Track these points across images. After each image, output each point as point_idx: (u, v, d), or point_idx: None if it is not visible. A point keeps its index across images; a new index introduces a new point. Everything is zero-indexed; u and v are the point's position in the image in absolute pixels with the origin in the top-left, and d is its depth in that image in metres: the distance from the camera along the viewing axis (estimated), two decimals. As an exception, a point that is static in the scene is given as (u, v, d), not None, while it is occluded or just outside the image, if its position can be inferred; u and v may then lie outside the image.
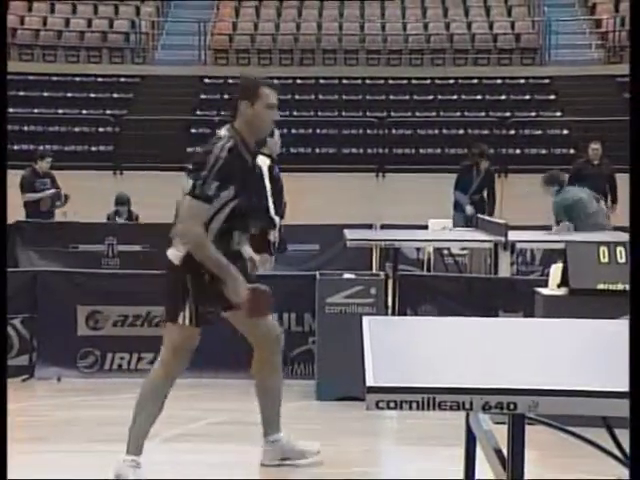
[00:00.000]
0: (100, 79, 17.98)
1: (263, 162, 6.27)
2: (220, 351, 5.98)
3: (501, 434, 2.35)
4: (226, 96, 17.69)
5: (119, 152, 16.03)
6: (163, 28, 19.98)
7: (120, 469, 3.93)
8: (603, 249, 4.99)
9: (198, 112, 17.22)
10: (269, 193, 6.29)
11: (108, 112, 16.82)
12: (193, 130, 16.50)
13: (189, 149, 15.03)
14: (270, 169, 6.40)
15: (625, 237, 7.51)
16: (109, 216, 11.57)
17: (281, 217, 6.50)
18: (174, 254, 3.97)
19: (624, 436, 2.82)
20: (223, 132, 4.01)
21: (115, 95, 17.71)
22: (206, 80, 18.16)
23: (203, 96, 17.80)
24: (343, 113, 17.00)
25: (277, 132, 6.50)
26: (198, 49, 18.74)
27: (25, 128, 16.22)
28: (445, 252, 9.12)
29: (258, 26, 19.53)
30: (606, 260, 4.98)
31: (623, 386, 2.21)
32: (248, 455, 4.46)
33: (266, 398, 4.19)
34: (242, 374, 5.94)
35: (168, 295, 4.01)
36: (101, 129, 16.60)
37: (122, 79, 18.07)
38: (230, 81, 18.02)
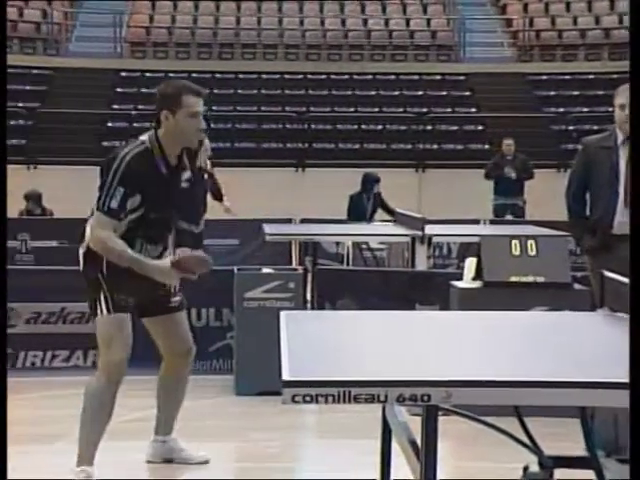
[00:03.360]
0: (11, 70, 17.50)
1: None
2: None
3: (418, 425, 2.38)
4: (143, 90, 17.48)
5: (33, 146, 15.65)
6: (76, 19, 19.58)
7: None
8: (515, 242, 5.11)
9: (114, 106, 16.95)
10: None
11: (20, 105, 16.41)
12: (109, 124, 16.23)
13: (105, 143, 14.79)
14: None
15: (536, 230, 7.70)
16: (21, 212, 11.29)
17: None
18: (83, 249, 3.93)
19: (533, 424, 2.91)
20: (142, 138, 3.88)
21: (28, 87, 17.28)
22: (123, 73, 17.89)
23: (119, 89, 17.53)
24: (262, 108, 16.97)
25: (207, 142, 6.46)
26: (114, 41, 18.43)
27: None
28: (364, 246, 9.19)
29: (176, 19, 19.32)
30: (518, 253, 5.10)
31: (533, 375, 2.26)
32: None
33: (166, 402, 4.15)
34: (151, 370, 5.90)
35: (86, 290, 3.95)
36: (13, 122, 16.20)
37: (35, 71, 17.64)
38: (148, 74, 17.81)
